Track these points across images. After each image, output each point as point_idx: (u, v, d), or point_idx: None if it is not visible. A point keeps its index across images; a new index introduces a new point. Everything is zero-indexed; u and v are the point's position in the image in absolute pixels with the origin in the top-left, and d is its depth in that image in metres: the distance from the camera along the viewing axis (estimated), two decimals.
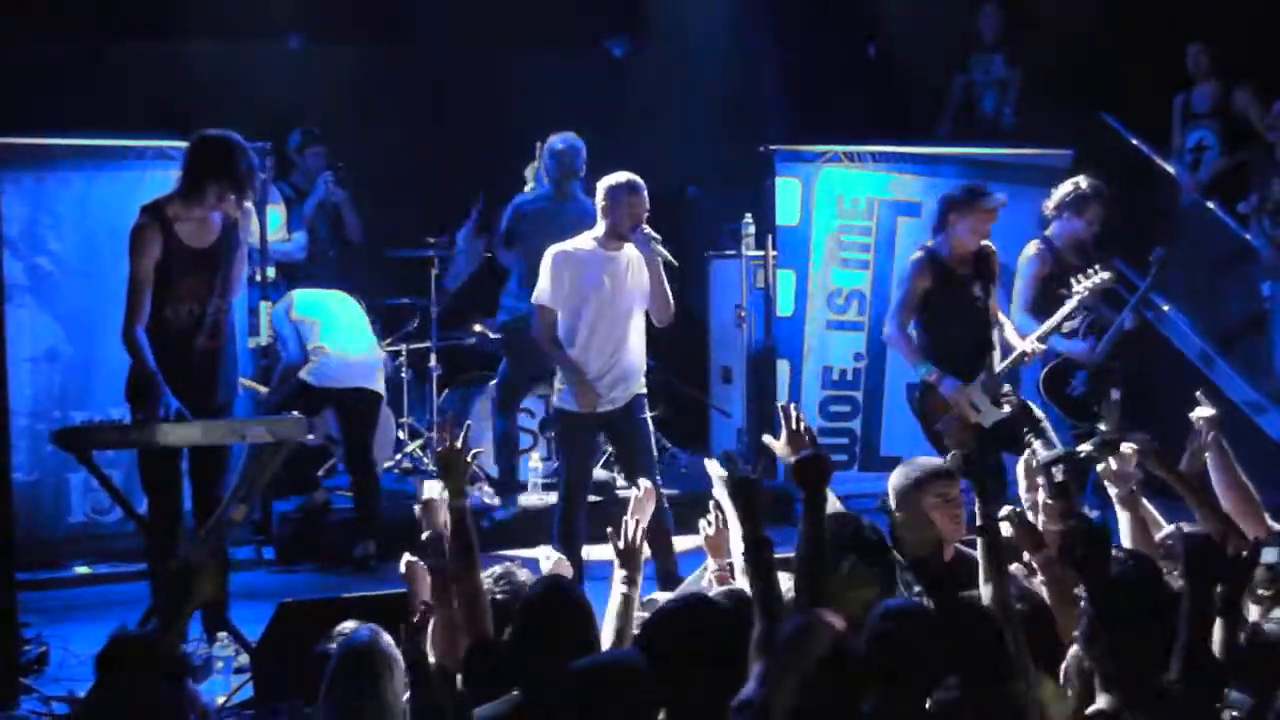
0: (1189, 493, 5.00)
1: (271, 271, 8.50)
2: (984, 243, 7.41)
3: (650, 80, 10.89)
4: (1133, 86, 10.26)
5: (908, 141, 9.85)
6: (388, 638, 4.29)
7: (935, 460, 5.48)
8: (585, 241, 7.05)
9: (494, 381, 8.79)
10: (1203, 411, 5.28)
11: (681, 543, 6.88)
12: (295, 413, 6.59)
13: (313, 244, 9.26)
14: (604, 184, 7.03)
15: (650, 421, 7.21)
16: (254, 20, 9.82)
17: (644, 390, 7.16)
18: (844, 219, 9.47)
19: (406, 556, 4.81)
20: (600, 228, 7.04)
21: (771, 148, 9.39)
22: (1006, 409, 7.21)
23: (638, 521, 4.73)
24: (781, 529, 4.88)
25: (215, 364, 6.47)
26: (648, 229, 6.95)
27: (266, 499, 8.20)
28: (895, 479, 5.16)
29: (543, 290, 7.03)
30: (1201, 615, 3.89)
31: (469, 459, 4.62)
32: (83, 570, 8.04)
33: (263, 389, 8.31)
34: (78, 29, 9.59)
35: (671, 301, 7.07)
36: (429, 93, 10.89)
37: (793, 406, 5.13)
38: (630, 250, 7.01)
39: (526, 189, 9.12)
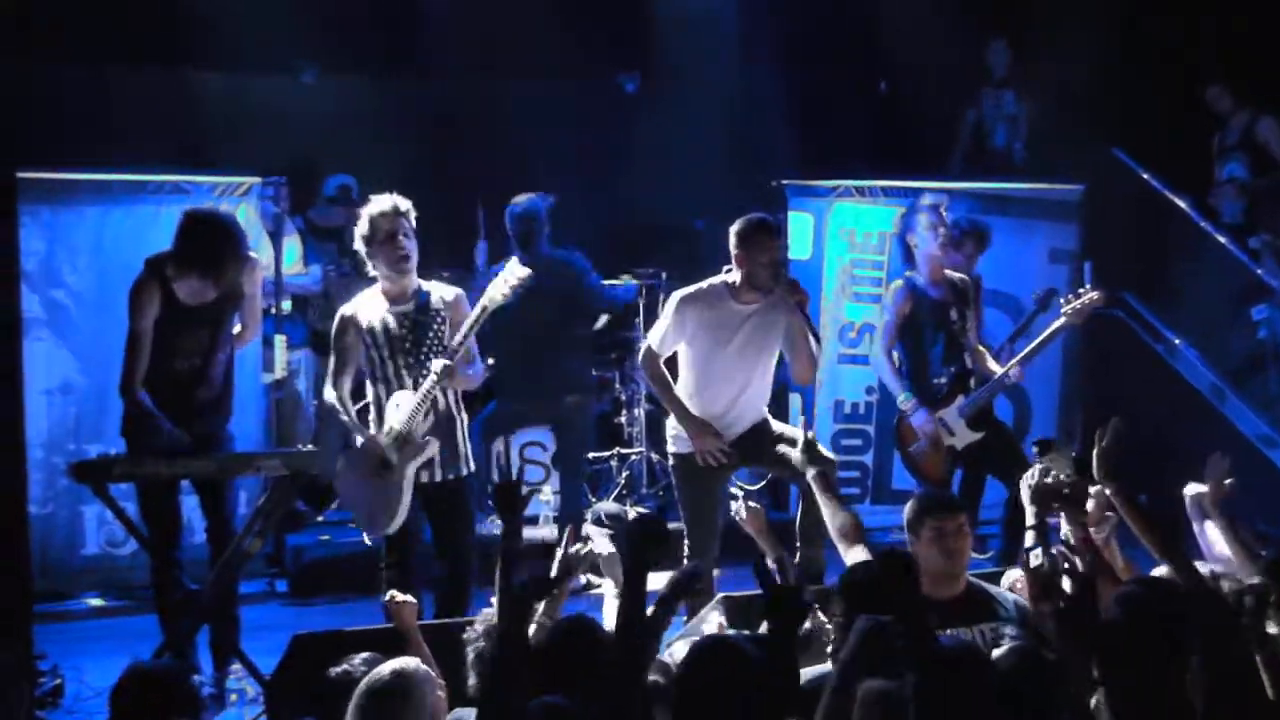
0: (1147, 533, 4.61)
1: (287, 305, 8.53)
2: (961, 276, 7.59)
3: (662, 114, 10.90)
4: (1144, 121, 10.28)
5: (919, 176, 9.86)
6: (422, 669, 4.28)
7: (938, 492, 5.49)
8: (718, 289, 6.41)
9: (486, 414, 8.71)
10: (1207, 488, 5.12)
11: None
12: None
13: (326, 276, 9.28)
14: (736, 227, 6.38)
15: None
16: (268, 53, 9.86)
17: (763, 417, 6.55)
18: (856, 253, 9.49)
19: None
20: (734, 275, 6.40)
21: (783, 182, 9.41)
22: (981, 433, 7.41)
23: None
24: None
25: (213, 411, 6.48)
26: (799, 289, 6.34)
27: (279, 532, 8.22)
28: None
29: (657, 332, 6.49)
30: None
31: (525, 496, 4.52)
32: (96, 602, 8.08)
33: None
34: (93, 61, 9.64)
35: (817, 361, 6.49)
36: (441, 124, 10.91)
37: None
38: (766, 305, 6.39)
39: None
